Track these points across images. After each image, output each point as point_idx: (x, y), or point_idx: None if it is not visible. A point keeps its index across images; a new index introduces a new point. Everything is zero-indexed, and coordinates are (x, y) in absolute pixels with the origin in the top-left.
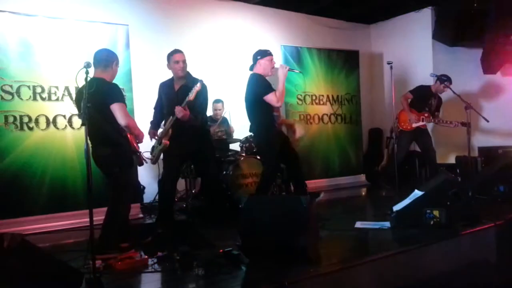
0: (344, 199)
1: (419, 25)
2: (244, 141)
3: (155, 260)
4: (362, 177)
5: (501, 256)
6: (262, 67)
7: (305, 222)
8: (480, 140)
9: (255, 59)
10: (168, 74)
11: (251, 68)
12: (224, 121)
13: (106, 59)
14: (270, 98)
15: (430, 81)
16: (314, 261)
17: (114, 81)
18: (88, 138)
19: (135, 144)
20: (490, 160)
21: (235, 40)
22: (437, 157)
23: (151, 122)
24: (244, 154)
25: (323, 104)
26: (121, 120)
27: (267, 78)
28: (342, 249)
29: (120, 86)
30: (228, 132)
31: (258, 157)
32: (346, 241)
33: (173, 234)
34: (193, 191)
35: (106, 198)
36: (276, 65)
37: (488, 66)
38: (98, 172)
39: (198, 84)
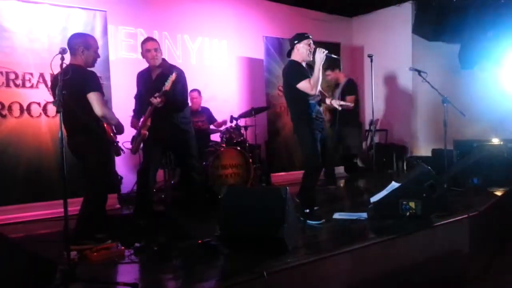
0: (322, 191)
1: (399, 19)
2: (225, 132)
3: (132, 251)
4: (341, 169)
5: (474, 246)
6: (299, 52)
7: (284, 213)
8: (455, 134)
9: (292, 44)
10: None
11: (289, 55)
12: (204, 111)
13: (72, 45)
14: (303, 85)
15: (409, 74)
16: (292, 251)
17: (92, 69)
18: (63, 126)
19: (111, 134)
20: (465, 153)
21: (217, 30)
22: (415, 149)
23: (134, 111)
24: (224, 145)
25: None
26: (97, 110)
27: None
28: (320, 239)
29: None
30: (211, 121)
31: (239, 148)
32: (324, 231)
33: (151, 225)
34: (172, 182)
35: (81, 188)
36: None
37: (466, 61)
38: (74, 161)
39: (174, 74)
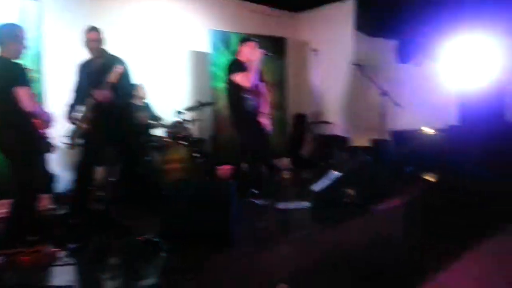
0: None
1: (342, 15)
2: (169, 126)
3: (68, 253)
4: (286, 161)
5: (408, 230)
6: (242, 53)
7: (228, 206)
8: (393, 124)
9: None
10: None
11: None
12: (147, 105)
13: (7, 35)
14: (238, 77)
15: (351, 69)
16: (236, 244)
17: (21, 61)
18: None
19: (42, 130)
20: (401, 143)
21: (160, 23)
22: (355, 140)
23: (70, 105)
24: (168, 139)
25: None
26: (25, 105)
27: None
28: (263, 230)
29: (29, 67)
30: (154, 117)
31: (183, 142)
32: (267, 222)
33: (89, 225)
34: (112, 179)
35: (10, 188)
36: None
37: (402, 56)
38: (1, 159)
39: (120, 66)
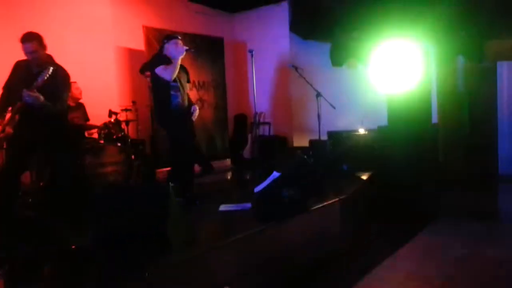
0: (209, 183)
1: (278, 17)
2: (103, 127)
3: None
4: (228, 162)
5: (343, 225)
6: (165, 50)
7: (166, 209)
8: (329, 125)
9: (162, 43)
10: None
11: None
12: (80, 106)
13: None
14: (160, 70)
15: (288, 71)
16: (176, 247)
17: None
18: None
19: None
20: (337, 143)
21: (92, 19)
22: (295, 140)
23: None
24: (102, 141)
25: (189, 89)
26: None
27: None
28: (206, 232)
29: None
30: (86, 117)
31: (119, 144)
32: (210, 224)
33: (16, 232)
34: (41, 183)
35: None
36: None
37: (336, 59)
38: None
39: (50, 69)
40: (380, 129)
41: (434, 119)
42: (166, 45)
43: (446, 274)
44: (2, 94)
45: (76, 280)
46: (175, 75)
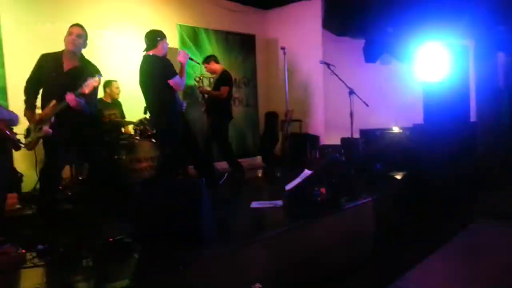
0: (241, 180)
1: (310, 14)
2: (139, 124)
3: (35, 254)
4: (259, 159)
5: (377, 226)
6: (162, 48)
7: (199, 205)
8: (362, 123)
9: (154, 40)
10: (48, 49)
11: (148, 49)
12: (118, 103)
13: None
14: (175, 82)
15: (320, 68)
16: (209, 243)
17: None
18: None
19: (6, 129)
20: (370, 141)
21: (130, 18)
22: (326, 138)
23: (26, 102)
24: (138, 138)
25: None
26: None
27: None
28: (237, 229)
29: None
30: (122, 115)
31: (154, 141)
32: (241, 221)
33: (57, 225)
34: (80, 178)
35: None
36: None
37: (369, 55)
38: None
39: (97, 79)
40: (416, 127)
41: (473, 117)
42: (162, 44)
43: (485, 278)
44: (28, 88)
45: (113, 272)
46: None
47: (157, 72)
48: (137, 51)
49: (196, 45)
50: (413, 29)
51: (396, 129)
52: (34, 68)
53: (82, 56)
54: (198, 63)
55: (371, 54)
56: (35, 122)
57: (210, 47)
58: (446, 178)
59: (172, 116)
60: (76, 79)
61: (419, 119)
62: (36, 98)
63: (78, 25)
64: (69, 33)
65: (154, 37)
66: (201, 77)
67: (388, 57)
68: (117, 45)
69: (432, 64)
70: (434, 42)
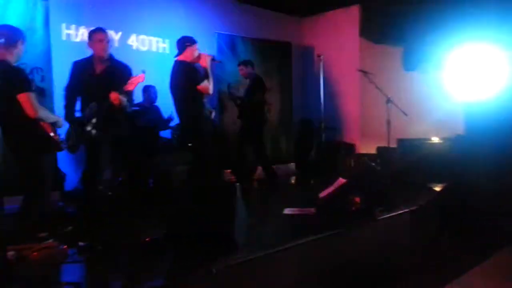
0: (275, 186)
1: (348, 21)
2: (176, 129)
3: (76, 251)
4: (292, 166)
5: (414, 238)
6: (190, 54)
7: (233, 209)
8: (399, 132)
9: (183, 46)
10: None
11: (178, 55)
12: (156, 107)
13: (10, 37)
14: (203, 87)
15: (357, 75)
16: (241, 247)
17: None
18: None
19: (50, 130)
20: (407, 151)
21: (167, 26)
22: (361, 147)
23: (66, 107)
24: (175, 142)
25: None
26: (30, 112)
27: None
28: (270, 234)
29: (38, 66)
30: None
31: (190, 145)
32: (273, 227)
33: (97, 223)
34: (120, 179)
35: (22, 186)
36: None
37: (408, 63)
38: (11, 158)
39: (141, 75)
40: (457, 138)
41: None
42: (189, 49)
43: None
44: (67, 95)
45: (148, 271)
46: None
47: (184, 78)
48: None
49: (233, 52)
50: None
51: (436, 140)
52: (70, 75)
53: (111, 56)
54: (220, 61)
55: (410, 62)
56: (77, 125)
57: (246, 55)
58: (489, 191)
59: (200, 121)
60: (109, 79)
61: (460, 129)
62: (74, 103)
63: (102, 30)
64: (99, 40)
65: (183, 43)
66: (237, 84)
67: (428, 65)
68: (156, 51)
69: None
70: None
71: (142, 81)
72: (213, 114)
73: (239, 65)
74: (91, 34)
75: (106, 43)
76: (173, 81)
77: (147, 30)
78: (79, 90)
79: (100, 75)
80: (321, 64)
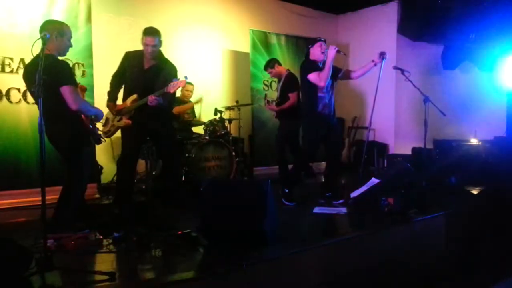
0: (305, 185)
1: (385, 18)
2: (209, 124)
3: (111, 241)
4: (323, 164)
5: (449, 243)
6: (318, 52)
7: (265, 206)
8: (436, 133)
9: (307, 48)
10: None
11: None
12: (189, 104)
13: (57, 32)
14: (313, 77)
15: (393, 73)
16: (272, 244)
17: (69, 57)
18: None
19: (89, 123)
20: (444, 152)
21: (202, 22)
22: (396, 147)
23: (109, 93)
24: (208, 137)
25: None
26: (71, 104)
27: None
28: (300, 233)
29: (80, 62)
30: (194, 115)
31: (222, 141)
32: (303, 225)
33: (131, 215)
34: (154, 173)
35: (61, 177)
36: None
37: (448, 62)
38: (53, 149)
39: (183, 81)
40: (497, 140)
41: None
42: (311, 50)
43: None
44: (113, 81)
45: (180, 263)
46: (327, 80)
47: (300, 72)
48: (210, 55)
49: (267, 49)
50: (499, 35)
51: (474, 141)
52: (120, 64)
53: (161, 54)
54: (344, 54)
55: (450, 61)
56: (116, 113)
57: (280, 52)
58: None
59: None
60: (155, 76)
61: (501, 132)
62: (118, 91)
63: (150, 34)
64: (145, 44)
65: (307, 45)
66: (270, 80)
67: (469, 65)
68: (192, 48)
69: None
70: None
71: (183, 86)
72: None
73: (265, 69)
74: (143, 35)
75: (151, 48)
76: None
77: (185, 26)
78: (126, 79)
79: (147, 71)
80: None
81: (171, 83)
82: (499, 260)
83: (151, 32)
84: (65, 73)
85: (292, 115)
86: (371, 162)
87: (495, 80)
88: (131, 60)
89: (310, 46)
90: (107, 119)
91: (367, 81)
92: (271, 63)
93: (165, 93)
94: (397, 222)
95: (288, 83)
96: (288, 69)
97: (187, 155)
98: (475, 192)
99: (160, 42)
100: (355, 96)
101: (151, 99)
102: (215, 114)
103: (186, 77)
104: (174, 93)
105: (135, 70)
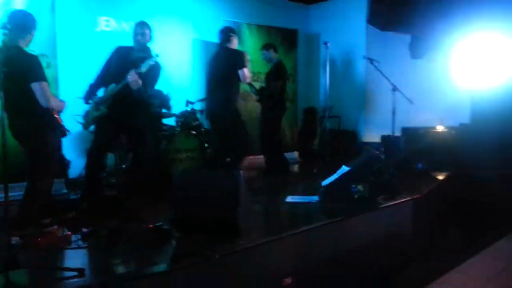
0: (278, 175)
1: (354, 8)
2: (180, 116)
3: (80, 237)
4: (296, 154)
5: (416, 227)
6: (235, 44)
7: (237, 196)
8: (403, 121)
9: (227, 35)
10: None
11: (224, 43)
12: (157, 93)
13: (25, 24)
14: (246, 73)
15: (363, 63)
16: (244, 234)
17: (32, 48)
18: (3, 107)
19: (56, 116)
20: (411, 140)
21: (171, 11)
22: (366, 135)
23: (90, 86)
24: (179, 129)
25: (260, 81)
26: (42, 101)
27: None
28: (272, 222)
29: (43, 53)
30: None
31: (194, 132)
32: (276, 214)
33: (101, 210)
34: (124, 166)
35: (25, 172)
36: None
37: (416, 51)
38: (16, 144)
39: (154, 59)
40: (462, 127)
41: None
42: (233, 38)
43: None
44: (99, 76)
45: (152, 256)
46: None
47: (228, 63)
48: (180, 46)
49: (239, 40)
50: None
51: (440, 128)
52: (109, 57)
53: (147, 48)
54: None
55: (418, 50)
56: (95, 104)
57: (252, 42)
58: (493, 181)
59: (235, 108)
60: (139, 65)
61: (465, 119)
62: (100, 86)
63: (144, 25)
64: (142, 34)
65: (226, 32)
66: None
67: (436, 53)
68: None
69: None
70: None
71: (153, 63)
72: None
73: (261, 49)
74: (136, 26)
75: (140, 36)
76: (216, 66)
77: (151, 12)
78: (110, 73)
79: (132, 61)
80: (327, 51)
81: (142, 64)
82: (461, 243)
83: (144, 24)
84: (36, 68)
85: (274, 106)
86: (341, 150)
87: (460, 68)
88: (120, 53)
89: (232, 34)
90: (87, 112)
91: (339, 71)
92: (268, 46)
93: (139, 73)
94: (366, 208)
95: (276, 72)
96: (278, 58)
97: (158, 147)
98: (441, 177)
99: (150, 36)
100: (327, 86)
101: (132, 74)
102: (186, 105)
103: (157, 55)
104: (151, 80)
105: (121, 61)
